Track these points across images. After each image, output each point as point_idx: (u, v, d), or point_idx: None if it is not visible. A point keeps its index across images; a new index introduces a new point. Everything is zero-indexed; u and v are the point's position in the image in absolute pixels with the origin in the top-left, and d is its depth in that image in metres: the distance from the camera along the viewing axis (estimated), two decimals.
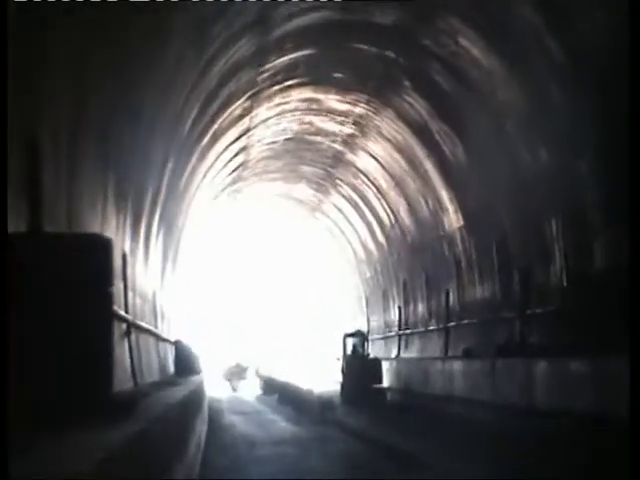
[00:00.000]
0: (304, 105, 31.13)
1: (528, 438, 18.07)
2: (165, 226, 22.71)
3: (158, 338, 21.53)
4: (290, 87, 28.51)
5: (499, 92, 23.11)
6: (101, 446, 5.05)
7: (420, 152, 30.30)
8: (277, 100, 29.46)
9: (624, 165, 13.19)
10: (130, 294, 15.85)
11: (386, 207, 37.13)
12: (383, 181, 35.60)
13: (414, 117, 28.67)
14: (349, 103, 30.56)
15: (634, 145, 11.73)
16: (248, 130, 30.91)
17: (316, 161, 38.73)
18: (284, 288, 67.74)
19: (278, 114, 31.35)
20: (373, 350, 38.16)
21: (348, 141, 34.67)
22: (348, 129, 33.30)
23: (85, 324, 6.71)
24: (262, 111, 29.75)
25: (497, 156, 24.81)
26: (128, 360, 14.75)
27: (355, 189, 39.42)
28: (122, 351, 14.13)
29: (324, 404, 27.29)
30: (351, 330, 37.76)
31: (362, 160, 35.76)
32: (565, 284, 21.67)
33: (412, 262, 36.33)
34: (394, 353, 37.92)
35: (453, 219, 30.03)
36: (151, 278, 21.14)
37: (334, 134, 34.31)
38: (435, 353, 31.76)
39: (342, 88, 29.23)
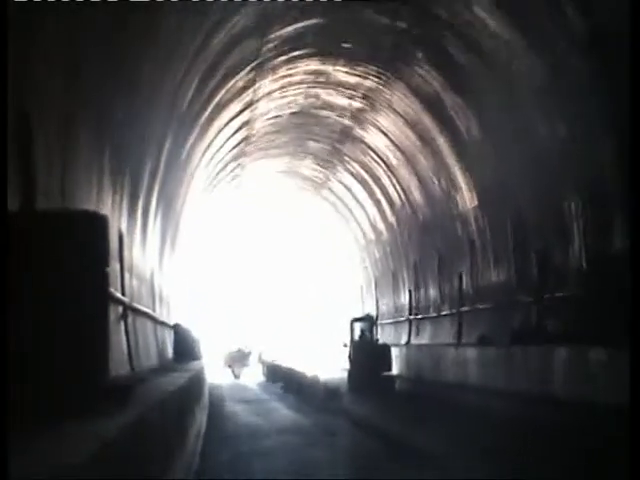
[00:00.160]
0: (311, 77, 31.02)
1: (545, 429, 18.05)
2: (164, 204, 22.69)
3: (156, 322, 21.56)
4: (296, 58, 28.40)
5: (515, 63, 22.99)
6: (95, 437, 5.04)
7: (432, 127, 30.21)
8: (282, 72, 29.36)
9: None
10: (127, 275, 15.85)
11: (396, 185, 37.05)
12: (393, 158, 35.51)
13: (426, 90, 28.56)
14: (358, 75, 30.45)
15: None
16: (251, 103, 30.83)
17: (323, 136, 38.64)
18: (288, 270, 67.71)
19: (283, 87, 31.26)
20: (382, 336, 38.17)
21: (357, 115, 34.57)
22: (357, 103, 33.19)
23: (79, 307, 6.67)
24: (266, 83, 29.66)
25: (513, 131, 24.72)
26: (124, 345, 14.77)
27: (364, 166, 39.34)
28: (118, 335, 14.14)
29: (330, 392, 27.33)
30: (359, 314, 37.78)
31: (371, 136, 35.66)
32: (585, 266, 21.60)
33: (423, 243, 36.28)
34: (404, 339, 37.91)
35: (467, 197, 29.96)
36: (149, 259, 21.15)
37: (342, 108, 34.21)
38: (448, 339, 31.74)
39: (351, 59, 29.11)
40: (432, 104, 29.01)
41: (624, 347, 16.94)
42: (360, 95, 32.24)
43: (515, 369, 22.67)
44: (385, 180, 38.04)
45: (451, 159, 30.17)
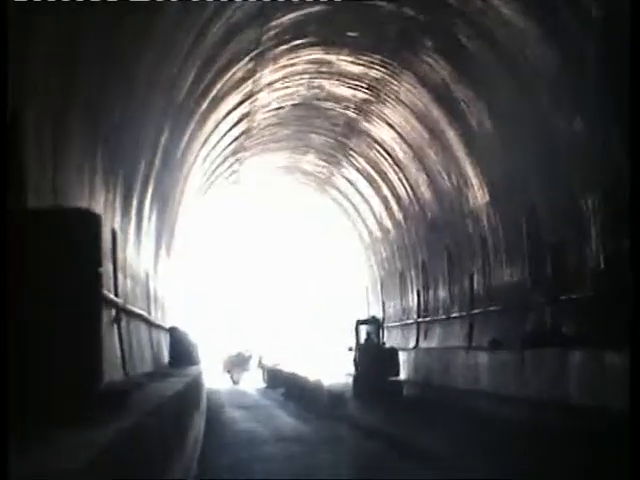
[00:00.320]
0: (313, 67, 31.04)
1: (560, 437, 18.05)
2: (159, 202, 22.70)
3: (151, 324, 21.57)
4: (298, 47, 28.41)
5: (529, 53, 22.99)
6: (87, 444, 5.06)
7: (442, 120, 30.22)
8: (283, 62, 29.38)
9: None
10: (120, 276, 15.87)
11: (404, 180, 37.07)
12: (401, 152, 35.53)
13: (435, 81, 28.57)
14: (363, 65, 30.47)
15: None
16: (251, 95, 30.84)
17: (326, 129, 38.66)
18: (290, 270, 67.69)
19: (285, 77, 31.27)
20: (389, 339, 38.14)
21: (362, 107, 34.58)
22: (362, 94, 33.20)
23: (70, 308, 6.68)
24: (267, 74, 29.67)
25: (527, 124, 24.72)
26: (118, 348, 14.79)
27: (369, 161, 39.36)
28: (111, 338, 14.17)
29: (335, 398, 27.32)
30: (364, 316, 37.77)
31: (377, 129, 35.68)
32: (602, 266, 21.59)
33: (432, 241, 36.30)
34: (412, 343, 37.93)
35: (478, 194, 29.97)
36: (144, 259, 21.16)
37: (346, 100, 34.22)
38: (458, 343, 31.75)
39: (355, 48, 29.12)
40: (441, 95, 29.02)
41: None
42: (365, 86, 32.26)
43: (528, 374, 22.68)
44: (392, 175, 38.05)
45: (461, 153, 30.18)
